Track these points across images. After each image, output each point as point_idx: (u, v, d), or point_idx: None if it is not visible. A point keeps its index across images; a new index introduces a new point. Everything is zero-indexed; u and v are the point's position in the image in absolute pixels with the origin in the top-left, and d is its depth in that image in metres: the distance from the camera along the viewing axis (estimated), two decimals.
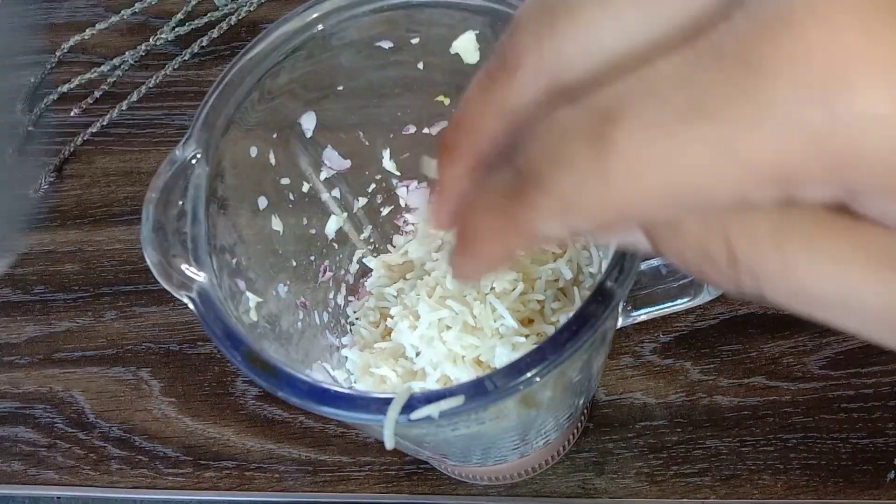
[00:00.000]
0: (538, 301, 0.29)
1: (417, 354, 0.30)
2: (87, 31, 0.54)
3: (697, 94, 0.10)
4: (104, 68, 0.52)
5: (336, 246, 0.33)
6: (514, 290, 0.29)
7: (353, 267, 0.34)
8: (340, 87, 0.29)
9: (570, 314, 0.21)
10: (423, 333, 0.29)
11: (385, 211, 0.35)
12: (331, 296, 0.33)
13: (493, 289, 0.29)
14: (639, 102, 0.10)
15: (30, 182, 0.49)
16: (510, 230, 0.13)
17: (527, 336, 0.28)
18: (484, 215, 0.13)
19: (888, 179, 0.10)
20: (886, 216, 0.11)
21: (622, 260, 0.21)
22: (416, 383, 0.29)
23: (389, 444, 0.20)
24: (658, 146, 0.10)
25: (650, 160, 0.10)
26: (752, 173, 0.10)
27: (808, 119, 0.09)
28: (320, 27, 0.27)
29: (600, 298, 0.21)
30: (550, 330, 0.29)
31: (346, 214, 0.33)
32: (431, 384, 0.29)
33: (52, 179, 0.49)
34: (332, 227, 0.33)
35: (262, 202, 0.29)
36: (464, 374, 0.28)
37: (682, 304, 0.30)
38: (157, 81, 0.52)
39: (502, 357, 0.28)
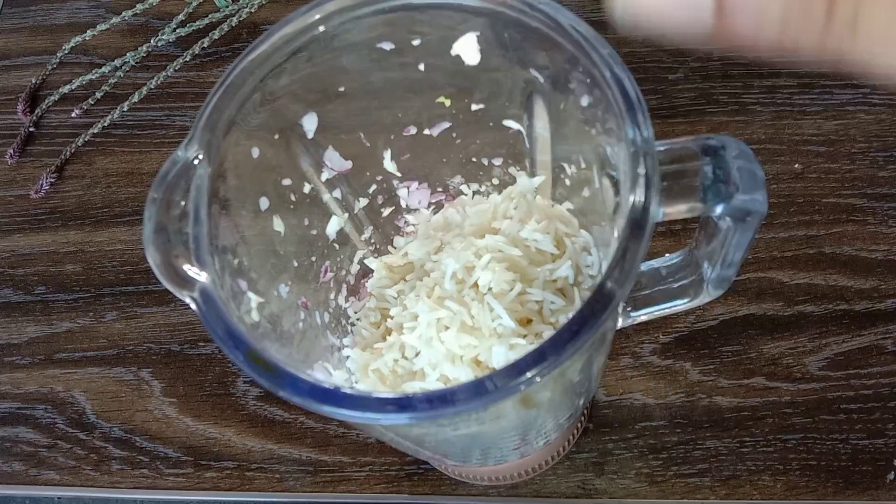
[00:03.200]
0: (536, 301, 0.29)
1: (417, 355, 0.30)
2: (87, 32, 0.54)
3: None
4: (105, 69, 0.53)
5: (337, 247, 0.33)
6: (511, 290, 0.29)
7: (354, 268, 0.34)
8: (342, 89, 0.30)
9: (569, 315, 0.21)
10: (422, 333, 0.29)
11: (386, 212, 0.35)
12: (332, 296, 0.33)
13: (490, 289, 0.29)
14: None
15: (31, 183, 0.49)
16: None
17: (524, 336, 0.29)
18: None
19: None
20: None
21: (622, 260, 0.21)
22: (416, 383, 0.29)
23: None
24: None
25: None
26: None
27: None
28: (322, 29, 0.27)
29: (600, 299, 0.21)
30: (548, 330, 0.29)
31: (347, 215, 0.33)
32: (431, 384, 0.29)
33: (52, 180, 0.49)
34: (333, 227, 0.33)
35: (264, 203, 0.29)
36: (462, 374, 0.28)
37: (681, 304, 0.30)
38: (158, 82, 0.52)
39: (499, 357, 0.28)
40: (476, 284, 0.30)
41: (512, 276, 0.29)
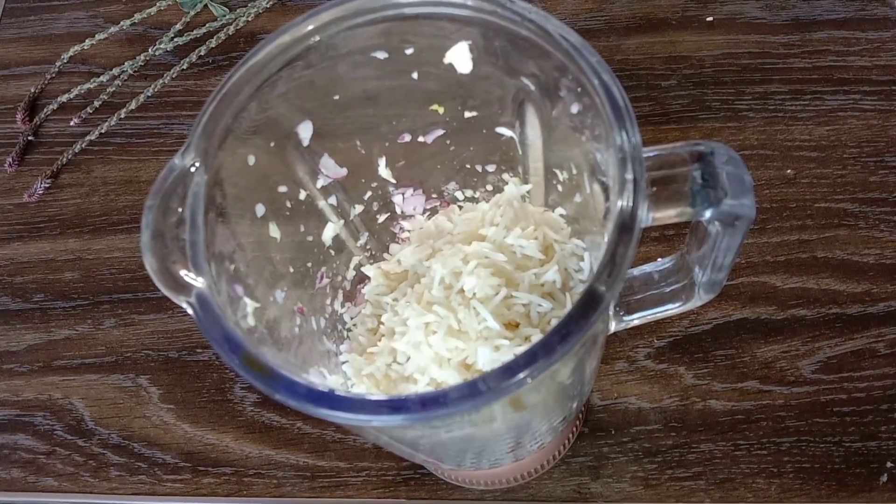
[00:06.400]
0: (523, 305, 0.30)
1: (408, 360, 0.30)
2: (86, 41, 0.54)
3: None
4: (103, 78, 0.53)
5: (333, 253, 0.33)
6: (496, 294, 0.29)
7: (350, 274, 0.35)
8: (337, 97, 0.30)
9: (555, 318, 0.21)
10: (411, 338, 0.29)
11: (381, 218, 0.35)
12: (328, 302, 0.34)
13: (475, 294, 0.30)
14: None
15: (28, 191, 0.50)
16: None
17: (511, 339, 0.29)
18: None
19: None
20: None
21: (611, 263, 0.22)
22: (409, 387, 0.29)
23: None
24: None
25: None
26: None
27: None
28: (317, 38, 0.27)
29: (589, 301, 0.21)
30: (536, 333, 0.29)
31: (342, 222, 0.33)
32: (422, 388, 0.29)
33: (47, 185, 0.49)
34: (328, 234, 0.33)
35: (260, 210, 0.29)
36: (450, 377, 0.29)
37: (673, 308, 0.31)
38: (156, 91, 0.52)
39: (485, 357, 0.28)
40: (463, 290, 0.30)
41: (497, 280, 0.30)
